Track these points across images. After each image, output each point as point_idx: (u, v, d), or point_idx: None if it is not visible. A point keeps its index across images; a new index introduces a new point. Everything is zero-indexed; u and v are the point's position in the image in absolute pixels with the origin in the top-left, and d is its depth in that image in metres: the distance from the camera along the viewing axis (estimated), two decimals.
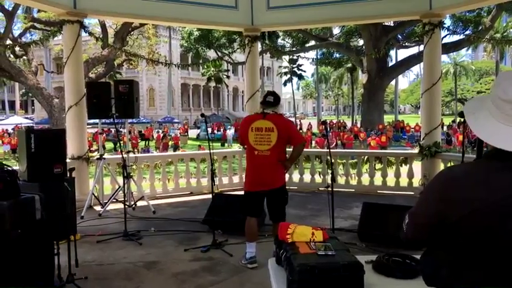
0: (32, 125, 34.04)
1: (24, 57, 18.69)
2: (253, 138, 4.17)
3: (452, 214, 1.26)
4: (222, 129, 35.18)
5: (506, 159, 1.24)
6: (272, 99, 4.20)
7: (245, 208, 4.38)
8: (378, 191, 7.91)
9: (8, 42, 16.14)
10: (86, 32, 7.35)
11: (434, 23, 7.25)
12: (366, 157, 8.66)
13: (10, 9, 16.94)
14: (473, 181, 1.26)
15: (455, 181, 1.31)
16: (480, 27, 25.25)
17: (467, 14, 25.63)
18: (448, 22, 26.22)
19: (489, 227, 1.21)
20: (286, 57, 50.48)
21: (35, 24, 18.66)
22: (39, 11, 17.29)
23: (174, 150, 23.44)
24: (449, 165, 7.56)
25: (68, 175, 4.38)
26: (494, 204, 1.20)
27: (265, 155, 4.13)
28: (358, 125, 34.05)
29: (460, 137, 21.77)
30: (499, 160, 1.26)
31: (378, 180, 8.14)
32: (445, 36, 24.26)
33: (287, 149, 4.43)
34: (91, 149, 9.69)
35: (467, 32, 25.93)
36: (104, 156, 7.06)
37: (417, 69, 62.66)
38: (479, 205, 1.21)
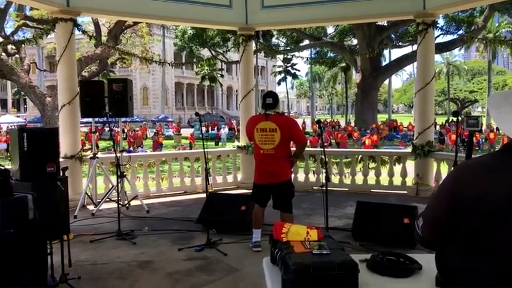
0: (23, 123, 33.77)
1: (17, 55, 18.55)
2: (259, 138, 4.46)
3: (461, 201, 1.30)
4: (216, 128, 35.09)
5: None
6: (271, 101, 4.44)
7: (253, 197, 4.76)
8: (372, 190, 7.93)
9: (0, 40, 15.99)
10: (79, 30, 7.30)
11: (428, 23, 7.29)
12: (360, 156, 8.68)
13: (2, 6, 16.81)
14: (484, 171, 1.30)
15: (465, 171, 1.36)
16: (473, 27, 25.39)
17: (460, 14, 25.77)
18: (441, 22, 26.37)
19: (493, 216, 1.24)
20: (281, 57, 50.51)
21: (27, 22, 18.51)
22: (31, 8, 17.15)
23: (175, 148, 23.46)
24: (442, 164, 7.61)
25: (61, 174, 4.34)
26: (501, 193, 1.23)
27: (270, 153, 4.42)
28: (352, 124, 34.14)
29: (453, 136, 21.93)
30: None
31: (371, 179, 8.16)
32: (438, 36, 24.41)
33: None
34: (84, 148, 9.63)
35: (460, 32, 26.09)
36: (97, 155, 7.02)
37: (410, 68, 63.03)
38: (486, 193, 1.25)
